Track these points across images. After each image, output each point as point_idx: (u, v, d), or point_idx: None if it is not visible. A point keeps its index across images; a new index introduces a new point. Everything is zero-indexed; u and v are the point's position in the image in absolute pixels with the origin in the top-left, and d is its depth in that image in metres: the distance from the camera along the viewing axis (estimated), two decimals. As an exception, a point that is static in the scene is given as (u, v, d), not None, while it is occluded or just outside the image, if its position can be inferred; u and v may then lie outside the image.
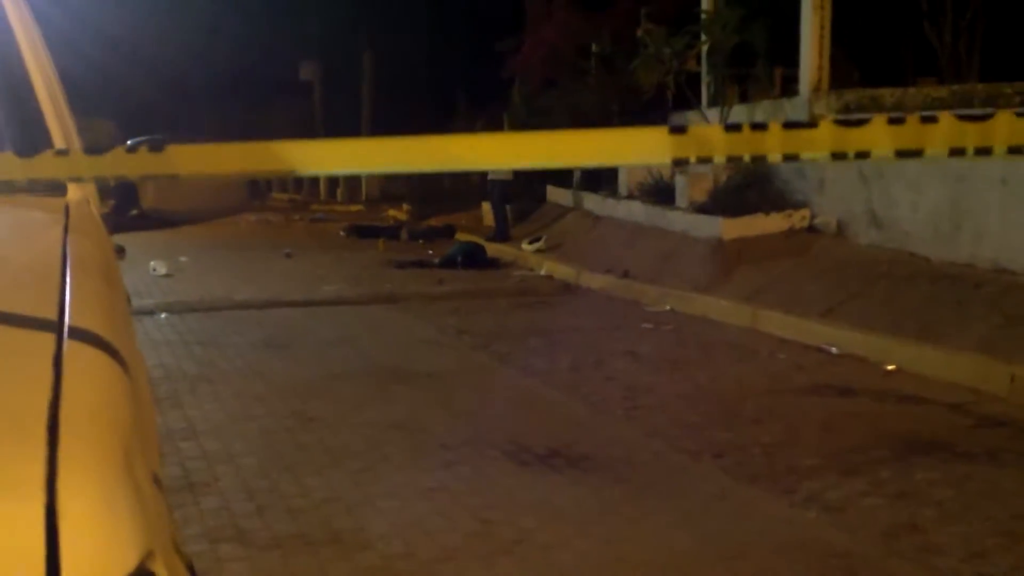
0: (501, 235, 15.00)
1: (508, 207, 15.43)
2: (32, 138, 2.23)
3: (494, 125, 17.30)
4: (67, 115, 2.52)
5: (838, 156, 0.98)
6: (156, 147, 1.10)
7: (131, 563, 0.88)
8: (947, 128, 0.95)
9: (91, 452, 0.93)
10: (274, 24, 26.57)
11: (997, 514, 4.23)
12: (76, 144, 2.36)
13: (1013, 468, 4.83)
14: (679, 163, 1.04)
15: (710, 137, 1.01)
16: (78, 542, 0.85)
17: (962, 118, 0.97)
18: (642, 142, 1.08)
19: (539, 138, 1.11)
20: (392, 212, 21.92)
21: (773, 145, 0.98)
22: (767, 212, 10.38)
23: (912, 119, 0.95)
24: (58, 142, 2.26)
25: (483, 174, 15.86)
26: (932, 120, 0.96)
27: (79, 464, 0.90)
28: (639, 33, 14.13)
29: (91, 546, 0.86)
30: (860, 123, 0.96)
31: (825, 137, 0.97)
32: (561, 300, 10.65)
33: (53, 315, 1.23)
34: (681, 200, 11.78)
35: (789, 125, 0.99)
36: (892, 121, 0.97)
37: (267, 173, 1.31)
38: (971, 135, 0.96)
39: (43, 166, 1.12)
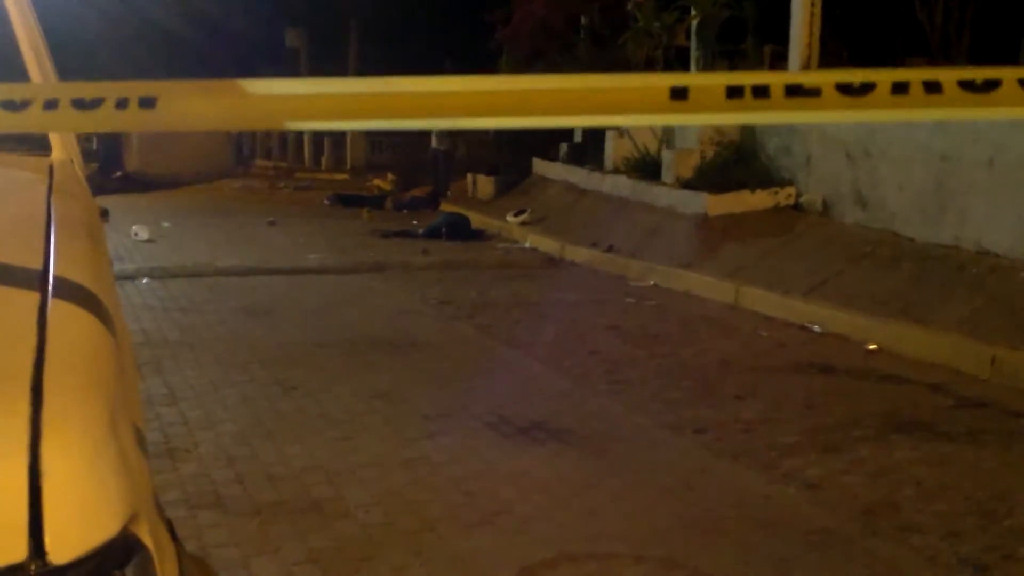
0: (436, 193, 17.29)
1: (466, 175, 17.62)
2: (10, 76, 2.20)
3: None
4: (45, 56, 2.48)
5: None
6: (148, 103, 1.07)
7: (115, 526, 0.87)
8: (951, 96, 0.93)
9: (76, 412, 0.91)
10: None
11: (976, 494, 4.26)
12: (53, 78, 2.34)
13: (992, 448, 4.86)
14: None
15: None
16: (62, 505, 0.83)
17: (965, 87, 0.95)
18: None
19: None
20: (377, 181, 21.78)
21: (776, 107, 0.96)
22: (753, 189, 10.37)
23: (916, 87, 0.93)
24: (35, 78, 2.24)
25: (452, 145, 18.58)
26: (937, 90, 0.94)
27: (64, 425, 0.87)
28: (629, 7, 14.05)
29: (75, 509, 0.84)
30: (864, 90, 0.94)
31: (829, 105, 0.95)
32: (545, 273, 10.63)
33: (38, 269, 1.20)
34: (667, 175, 11.75)
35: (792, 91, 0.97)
36: (896, 90, 0.95)
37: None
38: (976, 105, 0.94)
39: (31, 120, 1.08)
